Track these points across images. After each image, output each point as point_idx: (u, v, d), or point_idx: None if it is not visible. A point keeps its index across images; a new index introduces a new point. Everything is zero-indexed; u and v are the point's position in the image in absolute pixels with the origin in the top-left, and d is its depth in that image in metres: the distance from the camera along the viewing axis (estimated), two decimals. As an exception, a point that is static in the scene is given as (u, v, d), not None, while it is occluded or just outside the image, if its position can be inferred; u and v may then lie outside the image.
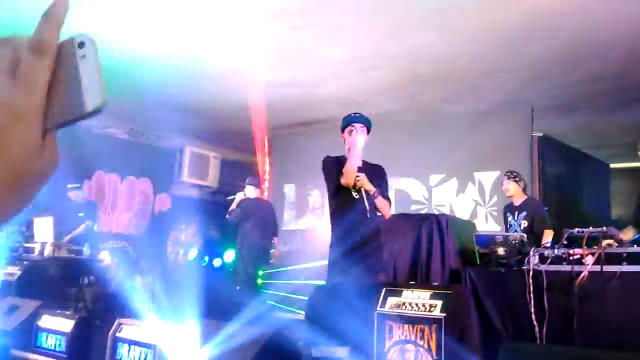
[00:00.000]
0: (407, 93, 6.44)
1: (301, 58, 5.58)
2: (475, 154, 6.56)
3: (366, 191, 3.40)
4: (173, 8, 4.64)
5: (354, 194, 3.47)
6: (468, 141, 6.59)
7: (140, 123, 8.37)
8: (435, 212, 6.54)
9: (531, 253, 3.46)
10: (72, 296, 5.51)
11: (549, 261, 3.41)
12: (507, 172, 5.37)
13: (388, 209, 3.50)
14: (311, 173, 6.11)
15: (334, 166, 3.54)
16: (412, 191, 7.13)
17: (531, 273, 3.38)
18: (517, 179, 5.29)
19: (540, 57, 5.31)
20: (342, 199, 3.52)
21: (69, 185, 7.07)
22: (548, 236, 4.81)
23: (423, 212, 6.63)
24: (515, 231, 4.96)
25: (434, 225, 4.44)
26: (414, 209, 6.98)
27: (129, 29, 5.03)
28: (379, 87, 6.22)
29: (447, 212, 6.59)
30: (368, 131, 3.56)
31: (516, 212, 5.21)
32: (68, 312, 4.32)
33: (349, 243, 3.46)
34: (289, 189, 8.10)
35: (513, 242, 3.63)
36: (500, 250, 3.65)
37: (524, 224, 5.07)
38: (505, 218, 5.33)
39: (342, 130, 3.58)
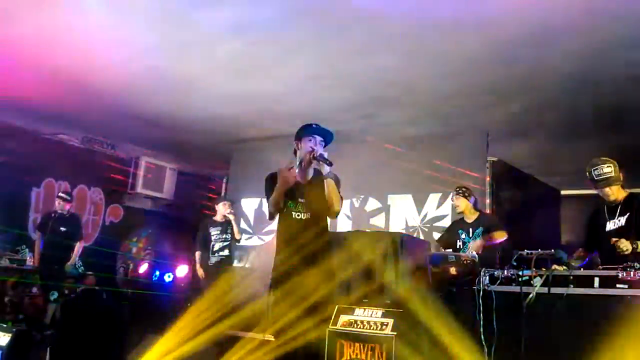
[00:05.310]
0: (368, 112, 6.49)
1: (262, 73, 5.56)
2: (432, 176, 6.63)
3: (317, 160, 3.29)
4: (135, 13, 4.55)
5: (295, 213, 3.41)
6: (425, 162, 6.67)
7: (94, 131, 8.18)
8: (392, 231, 6.53)
9: (482, 273, 3.48)
10: (11, 308, 5.29)
11: (498, 282, 3.45)
12: (456, 188, 5.38)
13: (338, 197, 3.35)
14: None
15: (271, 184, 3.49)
16: (370, 209, 7.14)
17: (481, 293, 3.41)
18: (466, 194, 5.29)
19: (497, 85, 5.43)
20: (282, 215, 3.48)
21: (61, 194, 6.94)
22: (500, 236, 4.95)
23: (380, 230, 6.64)
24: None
25: (389, 243, 4.42)
26: (371, 226, 6.98)
27: (87, 33, 4.91)
28: (340, 106, 6.25)
29: (403, 231, 6.58)
30: (326, 145, 3.49)
31: (470, 229, 5.21)
32: (5, 325, 4.10)
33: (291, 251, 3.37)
34: (247, 204, 7.99)
35: (465, 261, 3.66)
36: (452, 270, 3.67)
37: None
38: (457, 235, 5.29)
39: (298, 138, 3.48)
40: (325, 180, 3.32)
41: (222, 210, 6.90)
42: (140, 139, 8.26)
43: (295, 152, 3.49)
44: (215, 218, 6.96)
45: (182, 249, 8.17)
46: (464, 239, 5.20)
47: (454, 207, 5.54)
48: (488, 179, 6.43)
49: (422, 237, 6.59)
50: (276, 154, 6.72)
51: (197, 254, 6.77)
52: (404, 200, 6.98)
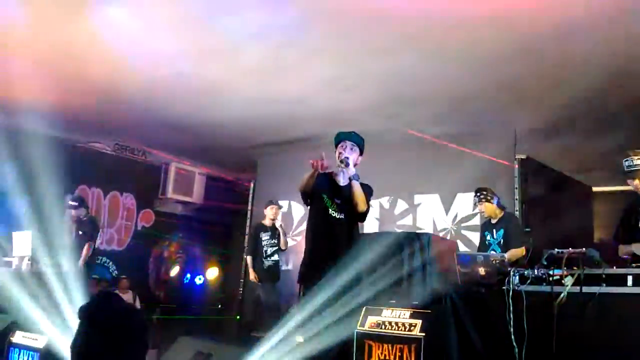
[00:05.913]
0: (391, 113, 6.39)
1: (285, 76, 5.55)
2: (458, 175, 6.45)
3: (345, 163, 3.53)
4: (160, 22, 4.62)
5: (332, 210, 3.59)
6: (452, 162, 6.57)
7: (125, 138, 8.31)
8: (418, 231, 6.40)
9: (511, 273, 3.41)
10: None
11: (528, 281, 3.37)
12: (476, 193, 5.26)
13: (362, 199, 3.56)
14: (295, 192, 5.95)
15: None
16: (398, 211, 7.10)
17: (511, 293, 3.33)
18: (488, 197, 5.18)
19: (522, 81, 5.32)
20: (313, 207, 3.70)
21: (69, 202, 7.02)
22: (515, 256, 4.72)
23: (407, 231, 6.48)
24: (494, 250, 4.93)
25: (416, 244, 4.34)
26: (399, 227, 6.95)
27: (114, 43, 4.98)
28: (363, 106, 6.19)
29: (430, 232, 6.57)
30: (361, 150, 3.71)
31: (494, 230, 5.16)
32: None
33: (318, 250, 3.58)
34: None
35: (494, 261, 3.58)
36: (481, 270, 3.59)
37: (502, 241, 5.05)
38: (483, 236, 5.28)
39: (335, 146, 3.75)
40: (351, 182, 3.60)
41: (269, 214, 6.88)
42: (170, 145, 8.35)
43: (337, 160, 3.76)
44: (264, 222, 6.94)
45: (212, 252, 8.30)
46: (489, 240, 5.17)
47: (480, 213, 5.51)
48: (517, 177, 6.32)
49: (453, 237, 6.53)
50: (301, 156, 6.69)
51: (249, 259, 6.79)
52: (431, 200, 6.92)
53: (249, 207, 8.49)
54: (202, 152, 8.53)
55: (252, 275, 6.69)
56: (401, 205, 7.10)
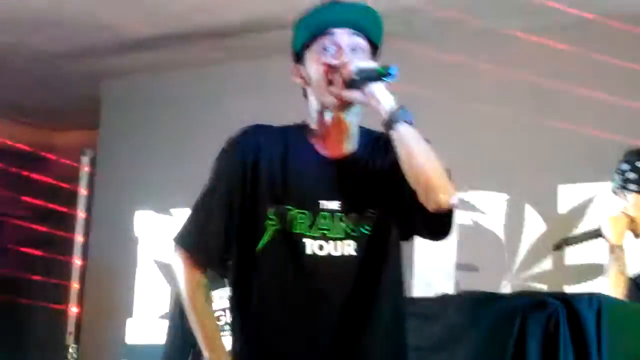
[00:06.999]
0: None
1: None
2: None
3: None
4: None
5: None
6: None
7: None
8: (568, 290, 5.90)
9: None
10: None
11: None
12: (618, 170, 4.60)
13: (436, 166, 2.46)
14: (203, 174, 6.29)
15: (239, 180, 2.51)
16: (522, 230, 6.37)
17: None
18: None
19: None
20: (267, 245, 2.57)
21: None
22: None
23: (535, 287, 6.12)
24: None
25: (560, 322, 3.39)
26: (520, 280, 6.24)
27: None
28: None
29: (604, 291, 5.70)
30: (375, 49, 2.71)
31: None
32: None
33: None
34: (147, 221, 7.49)
35: None
36: None
37: None
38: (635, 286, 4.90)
39: (299, 53, 2.74)
40: (393, 133, 2.47)
41: None
42: None
43: (304, 93, 2.73)
44: None
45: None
46: None
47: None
48: None
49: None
50: (214, 85, 7.02)
51: None
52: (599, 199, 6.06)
53: (80, 228, 7.96)
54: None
55: None
56: (530, 218, 6.16)
